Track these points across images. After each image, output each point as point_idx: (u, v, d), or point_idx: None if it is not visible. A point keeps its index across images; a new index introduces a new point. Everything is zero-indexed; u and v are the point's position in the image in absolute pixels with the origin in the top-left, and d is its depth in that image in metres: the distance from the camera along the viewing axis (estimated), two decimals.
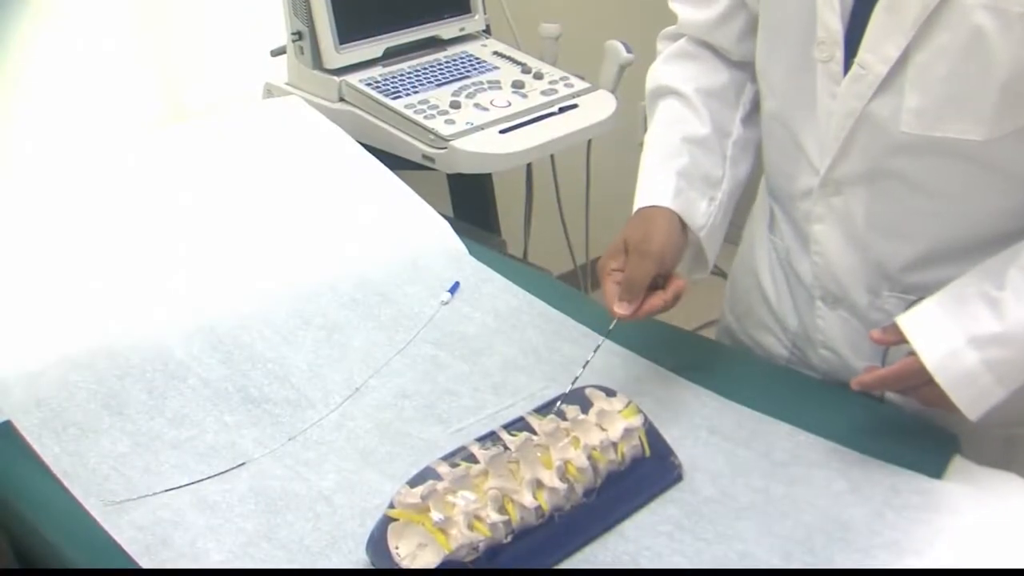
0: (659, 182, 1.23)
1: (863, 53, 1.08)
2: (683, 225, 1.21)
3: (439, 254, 1.50)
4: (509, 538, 0.98)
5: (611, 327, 1.17)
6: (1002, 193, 1.10)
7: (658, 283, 1.16)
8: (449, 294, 1.41)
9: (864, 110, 1.10)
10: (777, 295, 1.35)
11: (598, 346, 1.18)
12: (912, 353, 1.06)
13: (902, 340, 1.08)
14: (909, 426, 1.18)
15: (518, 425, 1.08)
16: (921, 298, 1.10)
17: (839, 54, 1.11)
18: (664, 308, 1.16)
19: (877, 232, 1.17)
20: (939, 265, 1.14)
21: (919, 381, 1.06)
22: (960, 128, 1.05)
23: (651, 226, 1.18)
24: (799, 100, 1.18)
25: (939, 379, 1.04)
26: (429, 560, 0.94)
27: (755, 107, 1.31)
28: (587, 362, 1.16)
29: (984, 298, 1.05)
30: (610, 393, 1.12)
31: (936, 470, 1.11)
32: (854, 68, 1.09)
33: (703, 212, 1.24)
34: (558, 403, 1.10)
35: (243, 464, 1.13)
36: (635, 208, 1.22)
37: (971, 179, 1.09)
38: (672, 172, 1.23)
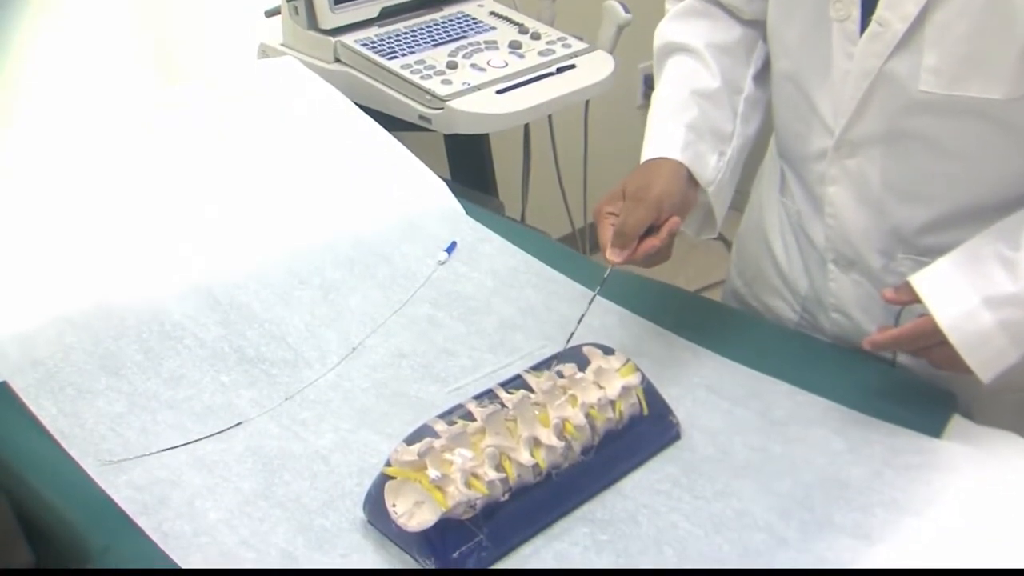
0: (667, 134, 1.21)
1: (881, 11, 1.06)
2: (689, 179, 1.19)
3: (436, 214, 1.49)
4: (506, 496, 0.98)
5: (606, 275, 1.15)
6: (1020, 154, 1.08)
7: (653, 232, 1.14)
8: (446, 254, 1.41)
9: (881, 69, 1.08)
10: (787, 258, 1.34)
11: (594, 295, 1.17)
12: (924, 313, 1.05)
13: (915, 300, 1.06)
14: (908, 386, 1.18)
15: (515, 383, 1.07)
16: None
17: (856, 12, 1.09)
18: (660, 249, 1.13)
19: (893, 194, 1.16)
20: (955, 227, 1.12)
21: (932, 342, 1.05)
22: (980, 87, 1.03)
23: (653, 175, 1.16)
24: (813, 60, 1.16)
25: (953, 339, 1.03)
26: (426, 518, 0.94)
27: (766, 65, 1.29)
28: (583, 316, 1.15)
29: (999, 258, 1.04)
30: (608, 351, 1.12)
31: (935, 429, 1.11)
32: (872, 26, 1.07)
33: (713, 166, 1.21)
34: (554, 361, 1.09)
35: (240, 424, 1.13)
36: (642, 160, 1.20)
37: (989, 140, 1.07)
38: (681, 125, 1.21)
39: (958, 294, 1.04)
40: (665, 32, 1.32)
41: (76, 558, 1.00)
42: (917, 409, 1.14)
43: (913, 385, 1.18)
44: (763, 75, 1.30)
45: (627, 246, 1.12)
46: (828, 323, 1.30)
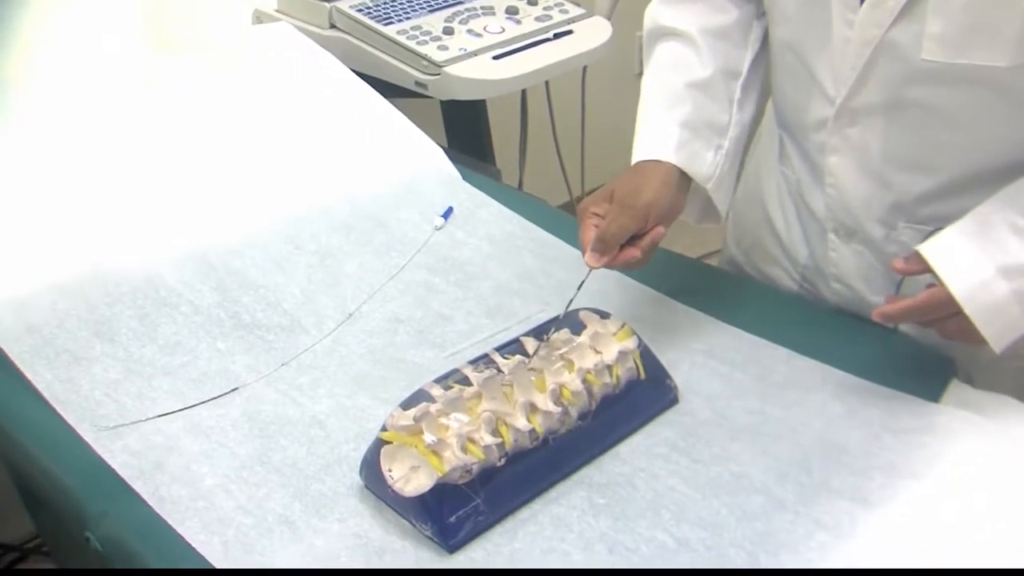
0: (660, 134, 1.18)
1: None
2: (680, 183, 1.16)
3: (433, 180, 1.49)
4: (503, 461, 0.98)
5: (584, 278, 1.12)
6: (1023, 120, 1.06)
7: (637, 239, 1.12)
8: (443, 219, 1.40)
9: (883, 38, 1.06)
10: (787, 228, 1.32)
11: (572, 298, 1.12)
12: (932, 284, 1.03)
13: (925, 270, 1.04)
14: (907, 351, 1.18)
15: (511, 348, 1.07)
16: (938, 229, 1.07)
17: None
18: (640, 259, 1.11)
19: (894, 164, 1.14)
20: (957, 196, 1.11)
21: (945, 313, 1.03)
22: (983, 55, 1.01)
23: (643, 181, 1.14)
24: (812, 28, 1.14)
25: (968, 310, 1.01)
26: (422, 483, 0.93)
27: (763, 45, 1.26)
28: (574, 295, 1.13)
29: (1011, 226, 1.02)
30: (604, 316, 1.11)
31: (934, 394, 1.11)
32: None
33: (710, 163, 1.19)
34: (552, 328, 1.09)
35: (236, 389, 1.13)
36: (633, 161, 1.18)
37: (992, 107, 1.05)
38: (675, 123, 1.18)
39: (972, 264, 1.02)
40: (656, 15, 1.28)
41: (74, 523, 1.00)
42: (916, 374, 1.13)
43: (912, 350, 1.18)
44: (760, 56, 1.27)
45: (607, 252, 1.10)
46: (829, 293, 1.29)
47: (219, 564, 0.92)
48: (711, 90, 1.22)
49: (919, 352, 1.17)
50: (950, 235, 1.04)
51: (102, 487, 1.00)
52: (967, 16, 1.00)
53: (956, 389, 1.12)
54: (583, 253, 1.11)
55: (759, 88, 1.28)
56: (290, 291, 1.27)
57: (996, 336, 1.02)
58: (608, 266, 1.11)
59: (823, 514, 0.97)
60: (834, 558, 0.92)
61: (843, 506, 0.97)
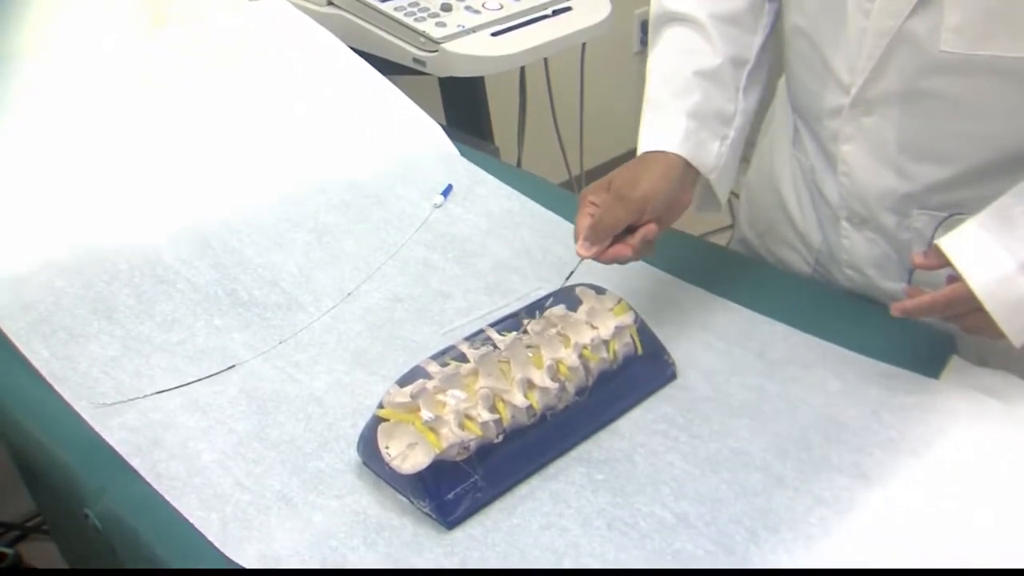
0: (666, 125, 1.15)
1: None
2: (684, 175, 1.13)
3: (431, 157, 1.48)
4: (501, 438, 0.98)
5: (575, 267, 1.11)
6: None
7: (635, 229, 1.10)
8: (442, 197, 1.39)
9: (900, 28, 1.04)
10: (801, 212, 1.31)
11: (567, 278, 1.12)
12: (954, 278, 1.01)
13: (945, 264, 1.02)
14: (907, 327, 1.17)
15: (507, 324, 1.06)
16: (953, 215, 1.06)
17: None
18: (630, 257, 1.09)
19: (910, 154, 1.12)
20: (973, 185, 1.09)
21: (966, 308, 1.01)
22: (1004, 45, 1.00)
23: (643, 172, 1.11)
24: (828, 16, 1.12)
25: (989, 307, 0.99)
26: (420, 460, 0.93)
27: (772, 30, 1.24)
28: (566, 279, 1.12)
29: None
30: (600, 291, 1.11)
31: (933, 370, 1.11)
32: None
33: (715, 153, 1.16)
34: (549, 300, 1.08)
35: (233, 366, 1.13)
36: (638, 151, 1.15)
37: (1010, 97, 1.04)
38: (681, 113, 1.15)
39: (993, 259, 1.00)
40: (663, 0, 1.24)
41: (72, 500, 1.00)
42: (915, 350, 1.13)
43: (912, 327, 1.17)
44: (769, 41, 1.24)
45: (599, 243, 1.08)
46: (842, 278, 1.28)
47: (217, 540, 0.92)
48: (719, 79, 1.19)
49: (918, 329, 1.16)
50: (970, 229, 1.02)
51: (100, 464, 1.01)
52: (986, 5, 0.99)
53: (956, 365, 1.12)
54: (575, 241, 1.09)
55: (765, 74, 1.25)
56: (288, 269, 1.27)
57: (1017, 332, 1.00)
58: (598, 258, 1.09)
59: (823, 490, 0.97)
60: (834, 534, 0.92)
61: (843, 482, 0.97)
